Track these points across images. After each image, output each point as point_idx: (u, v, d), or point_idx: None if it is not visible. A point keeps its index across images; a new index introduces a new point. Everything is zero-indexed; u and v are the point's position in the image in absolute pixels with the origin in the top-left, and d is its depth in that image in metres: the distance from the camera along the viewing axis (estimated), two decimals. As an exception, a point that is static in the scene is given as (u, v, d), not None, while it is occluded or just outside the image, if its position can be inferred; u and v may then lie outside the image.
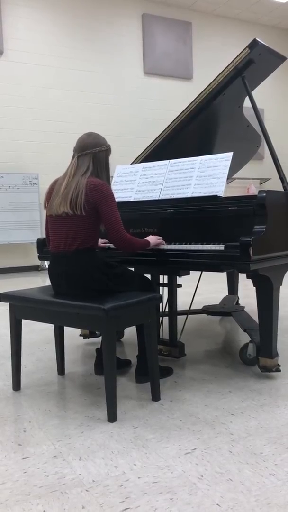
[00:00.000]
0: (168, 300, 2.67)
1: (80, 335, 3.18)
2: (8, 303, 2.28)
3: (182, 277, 2.60)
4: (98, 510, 1.36)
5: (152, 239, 2.35)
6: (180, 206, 2.44)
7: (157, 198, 2.57)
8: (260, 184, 9.48)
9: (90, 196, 2.08)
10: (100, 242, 2.50)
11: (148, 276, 2.61)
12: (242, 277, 3.51)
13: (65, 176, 2.20)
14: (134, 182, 2.74)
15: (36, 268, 7.77)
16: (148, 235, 2.50)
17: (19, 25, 7.47)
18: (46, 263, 7.18)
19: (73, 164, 2.21)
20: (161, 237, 2.41)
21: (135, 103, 8.46)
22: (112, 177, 2.85)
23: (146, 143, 3.28)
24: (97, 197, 2.08)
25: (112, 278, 2.17)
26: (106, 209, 2.09)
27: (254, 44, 2.61)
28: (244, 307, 3.59)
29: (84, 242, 2.13)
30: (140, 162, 2.95)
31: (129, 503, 1.38)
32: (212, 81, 2.75)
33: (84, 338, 3.19)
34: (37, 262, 7.73)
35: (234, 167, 3.35)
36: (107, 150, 2.24)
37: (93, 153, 2.19)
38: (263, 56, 2.73)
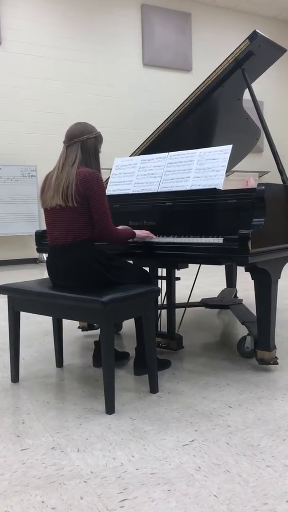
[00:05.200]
0: (166, 292, 2.67)
1: (79, 327, 3.19)
2: (6, 296, 2.28)
3: (181, 270, 2.60)
4: (96, 501, 1.37)
5: (138, 232, 2.35)
6: (179, 199, 2.43)
7: (156, 191, 2.56)
8: (259, 177, 9.46)
9: (80, 186, 2.07)
10: None
11: (147, 268, 2.61)
12: (240, 270, 3.52)
13: (55, 168, 2.19)
14: (133, 174, 2.73)
15: (34, 261, 7.77)
16: (146, 228, 2.49)
17: (17, 15, 7.40)
18: (45, 255, 7.18)
19: (62, 155, 2.20)
20: (148, 232, 2.40)
21: (134, 94, 8.41)
22: (110, 169, 2.86)
23: (145, 135, 3.27)
24: (87, 187, 2.07)
25: (110, 268, 2.16)
26: (94, 200, 2.08)
27: (254, 36, 2.59)
28: (242, 300, 3.60)
29: (80, 233, 2.13)
30: (139, 155, 2.94)
31: (127, 494, 1.39)
32: (212, 73, 2.73)
33: (82, 331, 3.19)
34: (35, 254, 7.73)
35: (233, 159, 3.34)
36: (96, 138, 2.22)
37: (81, 141, 2.18)
38: (263, 48, 2.71)
